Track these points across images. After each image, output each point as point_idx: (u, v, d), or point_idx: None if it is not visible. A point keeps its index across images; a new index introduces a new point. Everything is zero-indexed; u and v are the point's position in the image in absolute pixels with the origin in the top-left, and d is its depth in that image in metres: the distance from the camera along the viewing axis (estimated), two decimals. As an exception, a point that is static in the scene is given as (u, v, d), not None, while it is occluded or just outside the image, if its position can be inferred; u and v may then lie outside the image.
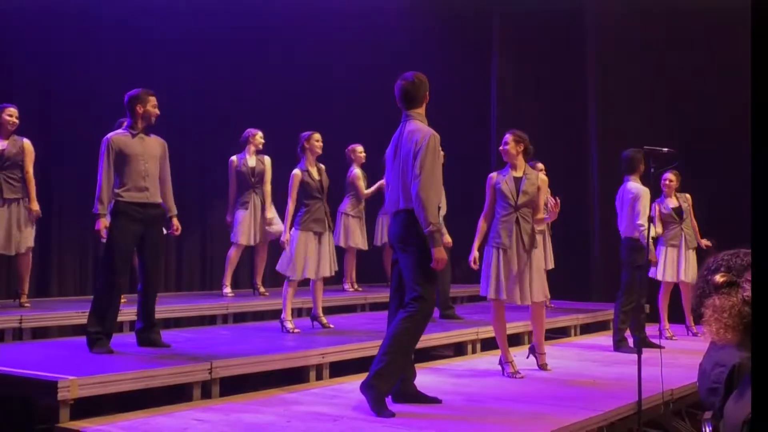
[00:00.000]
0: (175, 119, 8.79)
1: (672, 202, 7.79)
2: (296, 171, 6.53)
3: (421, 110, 4.70)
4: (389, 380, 4.45)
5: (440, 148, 7.44)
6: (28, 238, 6.62)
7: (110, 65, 8.26)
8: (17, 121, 6.65)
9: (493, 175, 5.74)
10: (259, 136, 8.09)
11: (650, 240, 6.67)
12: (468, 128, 10.96)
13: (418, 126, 4.60)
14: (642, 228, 6.71)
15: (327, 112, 9.76)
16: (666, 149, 5.33)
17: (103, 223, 5.35)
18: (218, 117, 9.24)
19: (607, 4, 9.98)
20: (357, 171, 8.64)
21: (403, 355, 4.52)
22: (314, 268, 6.49)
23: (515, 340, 7.13)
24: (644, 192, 6.80)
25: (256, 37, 9.42)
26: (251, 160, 8.06)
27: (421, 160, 4.46)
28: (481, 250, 5.69)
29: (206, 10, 8.88)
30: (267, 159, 8.14)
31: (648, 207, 6.71)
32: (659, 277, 7.72)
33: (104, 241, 5.45)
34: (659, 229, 7.67)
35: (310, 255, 6.48)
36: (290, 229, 6.48)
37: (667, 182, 7.76)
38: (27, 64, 7.87)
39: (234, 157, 8.08)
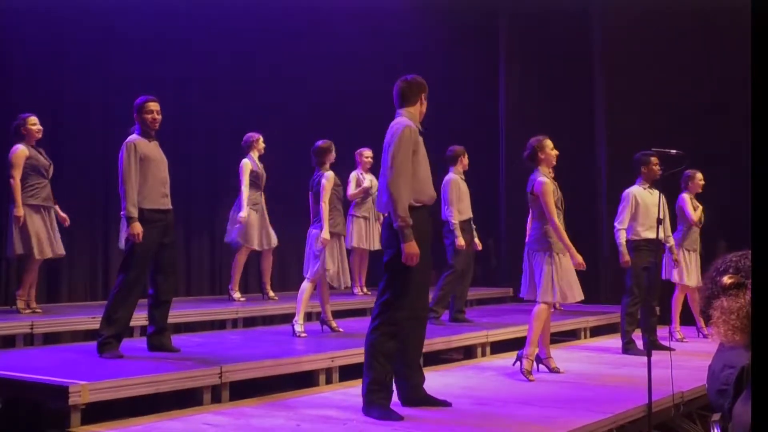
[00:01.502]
0: (183, 126, 8.84)
1: (697, 204, 7.60)
2: (332, 174, 6.55)
3: (413, 110, 4.58)
4: (382, 392, 4.40)
5: (465, 157, 7.48)
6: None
7: (115, 71, 8.30)
8: (42, 128, 6.75)
9: (548, 181, 5.60)
10: (261, 140, 8.08)
11: (625, 242, 6.78)
12: (477, 131, 10.96)
13: (398, 120, 4.52)
14: (615, 229, 6.87)
15: (331, 114, 9.76)
16: (675, 151, 5.33)
17: (139, 227, 5.26)
18: (226, 123, 9.26)
19: (613, 5, 9.97)
20: (353, 173, 8.66)
21: (385, 363, 4.41)
22: (344, 274, 6.59)
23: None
24: (632, 195, 6.87)
25: (262, 40, 9.44)
26: (260, 164, 8.08)
27: (393, 152, 4.34)
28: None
29: (210, 12, 8.93)
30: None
31: (630, 210, 6.80)
32: (679, 281, 7.56)
33: (131, 244, 5.33)
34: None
35: (337, 258, 6.54)
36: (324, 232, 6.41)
37: (700, 181, 7.59)
38: (34, 70, 7.90)
39: (247, 160, 8.00)
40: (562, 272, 5.54)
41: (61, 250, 6.78)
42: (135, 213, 5.29)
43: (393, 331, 4.43)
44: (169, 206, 5.55)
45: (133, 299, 5.39)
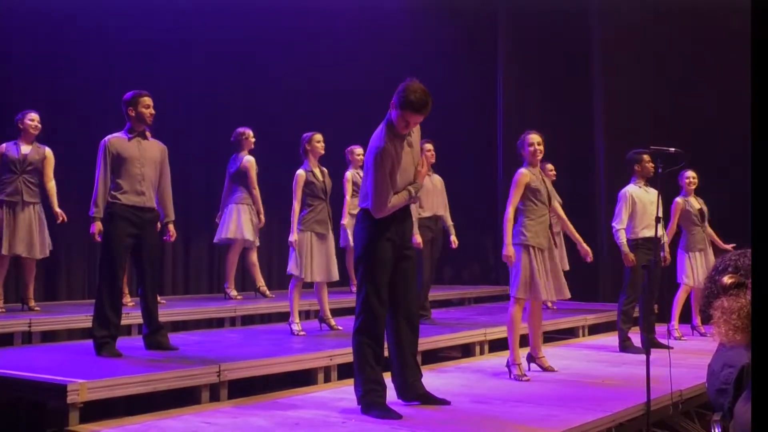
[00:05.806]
0: (181, 125, 8.83)
1: (695, 203, 7.63)
2: (300, 171, 6.49)
3: (392, 116, 4.46)
4: (378, 391, 4.40)
5: (428, 151, 7.40)
6: (48, 241, 6.77)
7: (117, 70, 8.30)
8: (39, 125, 6.76)
9: (525, 171, 5.54)
10: (251, 135, 7.95)
11: (625, 241, 6.73)
12: (475, 131, 10.96)
13: (376, 133, 4.51)
14: (614, 229, 6.82)
15: (329, 113, 9.74)
16: (673, 149, 5.32)
17: (98, 227, 5.33)
18: (224, 122, 9.22)
19: (613, 5, 9.96)
20: (348, 173, 8.51)
21: (374, 363, 4.40)
22: (323, 270, 6.44)
23: (525, 340, 7.10)
24: (629, 195, 6.85)
25: (260, 41, 9.43)
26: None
27: (369, 178, 4.40)
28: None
29: (208, 14, 8.91)
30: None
31: (628, 210, 6.78)
32: (687, 282, 7.58)
33: (99, 242, 5.42)
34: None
35: (316, 255, 6.43)
36: (296, 230, 6.43)
37: (691, 179, 7.60)
38: (35, 68, 7.90)
39: (252, 158, 7.93)
40: (535, 268, 5.43)
41: (37, 254, 6.64)
42: (98, 213, 5.34)
43: (375, 329, 4.40)
44: (147, 204, 5.45)
45: (118, 296, 5.39)
